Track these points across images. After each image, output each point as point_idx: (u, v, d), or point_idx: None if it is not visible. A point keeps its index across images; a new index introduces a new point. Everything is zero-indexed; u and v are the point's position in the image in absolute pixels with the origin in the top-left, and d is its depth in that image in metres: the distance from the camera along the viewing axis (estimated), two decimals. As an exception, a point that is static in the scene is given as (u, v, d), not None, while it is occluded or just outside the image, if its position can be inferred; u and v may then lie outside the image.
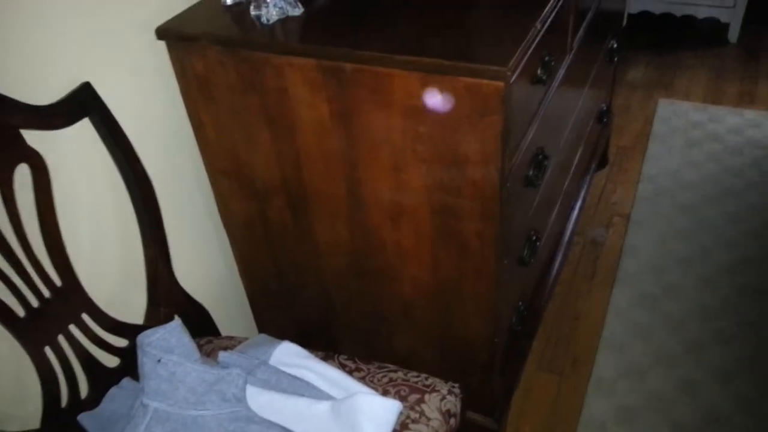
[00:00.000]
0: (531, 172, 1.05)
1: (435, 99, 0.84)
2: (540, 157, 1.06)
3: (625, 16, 2.88)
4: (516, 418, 1.44)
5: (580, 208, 1.73)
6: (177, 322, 0.99)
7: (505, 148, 0.86)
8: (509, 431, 1.41)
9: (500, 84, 0.80)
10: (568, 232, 1.62)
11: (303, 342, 1.01)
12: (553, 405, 1.47)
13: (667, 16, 2.79)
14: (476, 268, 1.01)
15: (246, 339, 1.07)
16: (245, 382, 0.91)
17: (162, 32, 0.98)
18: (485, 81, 0.80)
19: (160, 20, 0.99)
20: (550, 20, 0.93)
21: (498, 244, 0.97)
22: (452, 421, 0.92)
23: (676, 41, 2.84)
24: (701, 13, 2.71)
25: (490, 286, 1.02)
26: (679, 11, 2.74)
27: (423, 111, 0.86)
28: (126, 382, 0.99)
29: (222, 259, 1.31)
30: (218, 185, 1.16)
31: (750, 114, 2.32)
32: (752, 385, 1.44)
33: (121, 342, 1.00)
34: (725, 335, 1.55)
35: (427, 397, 0.92)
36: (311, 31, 0.93)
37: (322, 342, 1.34)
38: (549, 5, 0.91)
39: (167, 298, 1.04)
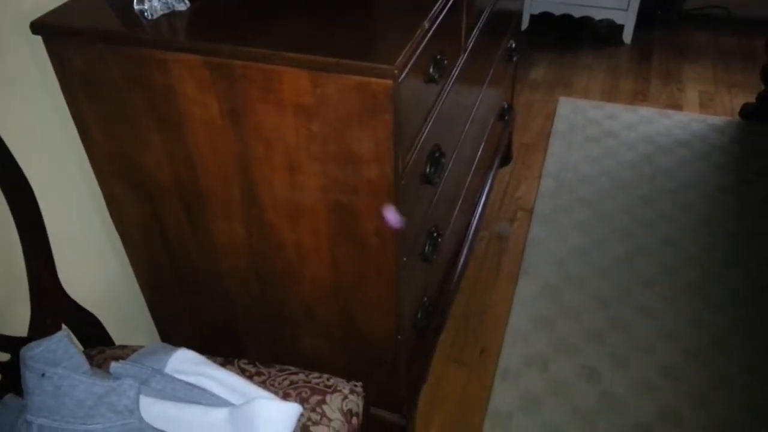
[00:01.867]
0: (428, 170, 1.06)
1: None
2: (437, 154, 1.07)
3: (527, 17, 2.98)
4: (426, 411, 1.46)
5: (485, 204, 1.77)
6: (63, 332, 0.93)
7: (398, 146, 0.87)
8: (419, 424, 1.43)
9: (389, 82, 0.80)
10: (473, 228, 1.66)
11: (207, 349, 0.98)
12: (461, 396, 1.50)
13: (567, 18, 2.90)
14: (376, 266, 1.01)
15: (141, 347, 1.02)
16: (138, 393, 0.87)
17: (38, 27, 0.92)
18: (374, 79, 0.80)
19: (37, 13, 0.93)
20: (439, 20, 0.94)
21: (397, 242, 0.97)
22: (354, 420, 0.92)
23: (575, 42, 2.97)
24: (598, 14, 2.85)
25: (390, 284, 1.02)
26: (577, 12, 2.86)
27: (314, 109, 0.85)
28: (9, 399, 0.92)
29: (117, 265, 1.25)
30: (108, 188, 1.11)
31: (643, 111, 2.45)
32: (648, 370, 1.52)
33: (2, 356, 0.94)
34: (622, 322, 1.63)
35: (328, 397, 0.91)
36: (198, 27, 0.91)
37: (228, 348, 1.31)
38: (437, 5, 0.93)
39: (53, 307, 0.99)
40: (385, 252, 0.98)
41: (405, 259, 1.02)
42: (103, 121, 1.00)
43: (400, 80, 0.80)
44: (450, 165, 1.24)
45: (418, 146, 0.98)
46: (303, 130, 0.89)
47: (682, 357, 1.54)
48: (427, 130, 1.01)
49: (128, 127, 0.99)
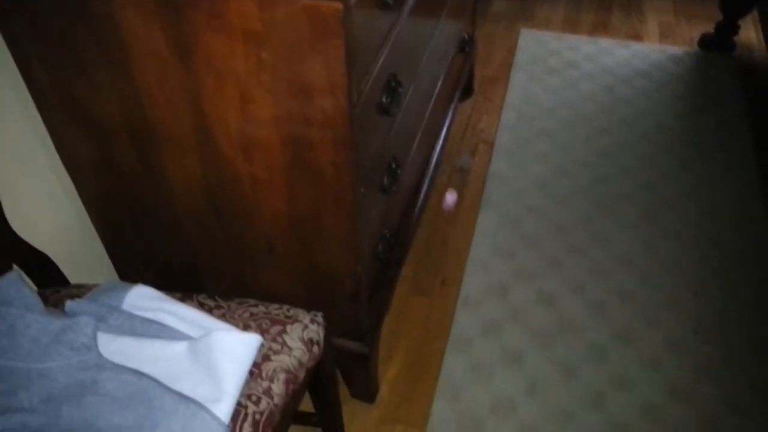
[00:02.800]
0: (384, 100, 1.04)
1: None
2: (393, 84, 1.06)
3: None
4: (389, 339, 1.50)
5: (446, 137, 1.76)
6: (14, 273, 0.92)
7: (351, 74, 0.85)
8: (383, 352, 1.46)
9: (338, 5, 0.77)
10: (434, 160, 1.66)
11: (168, 287, 0.98)
12: (424, 325, 1.53)
13: (528, -54, 2.84)
14: (333, 198, 1.00)
15: (97, 286, 1.01)
16: (95, 330, 0.87)
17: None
18: (323, 2, 0.78)
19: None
20: (391, -60, 0.91)
21: (353, 172, 0.96)
22: (315, 348, 0.94)
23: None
24: (559, -58, 2.78)
25: (348, 215, 1.02)
26: (538, -60, 2.79)
27: (263, 36, 0.83)
28: (-37, 342, 0.91)
29: (70, 207, 1.22)
30: (54, 127, 1.08)
31: (604, 42, 2.44)
32: (604, 293, 1.57)
33: (-47, 300, 0.92)
34: (579, 248, 1.67)
35: (288, 327, 0.93)
36: (137, -49, 0.86)
37: (189, 286, 1.30)
38: (389, -76, 0.89)
39: (1, 248, 0.96)
40: (342, 183, 0.98)
41: (362, 190, 1.01)
42: (44, 58, 0.96)
43: (351, 3, 0.78)
44: (408, 96, 1.23)
45: (374, 75, 0.97)
46: (253, 59, 0.86)
47: (636, 281, 1.59)
48: (382, 59, 0.99)
49: (71, 63, 0.95)
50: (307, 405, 1.21)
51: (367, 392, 1.39)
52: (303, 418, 1.21)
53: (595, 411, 1.35)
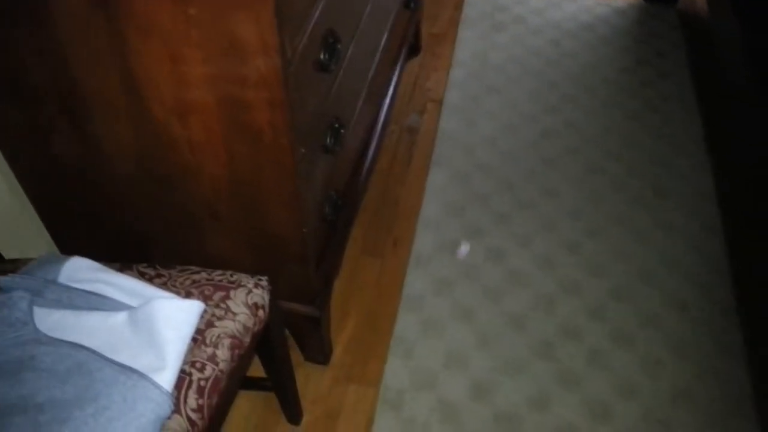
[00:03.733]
0: (323, 57, 1.02)
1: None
2: (331, 40, 1.03)
3: None
4: (342, 302, 1.50)
5: (393, 96, 1.74)
6: (-61, 250, 0.88)
7: (283, 29, 0.82)
8: (336, 315, 1.46)
9: (265, -43, 0.74)
10: (381, 120, 1.64)
11: (114, 260, 0.95)
12: (376, 285, 1.54)
13: None
14: (273, 159, 0.98)
15: (32, 260, 0.98)
16: (30, 304, 0.84)
17: None
18: (249, -46, 0.74)
19: None
20: None
21: (292, 133, 0.94)
22: (261, 313, 0.93)
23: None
24: None
25: (290, 176, 1.00)
26: None
27: (188, -9, 0.79)
28: None
29: (2, 179, 1.17)
30: (-25, 93, 1.02)
31: (550, -4, 2.43)
32: (551, 246, 1.59)
33: None
34: (528, 204, 1.69)
35: (232, 293, 0.91)
36: None
37: (134, 257, 1.27)
38: None
39: (-74, 225, 0.92)
40: (281, 144, 0.95)
41: (303, 150, 0.99)
42: (-46, 16, 0.90)
43: (277, -45, 0.75)
44: (348, 53, 1.20)
45: (309, 31, 0.94)
46: (180, 15, 0.82)
47: (583, 233, 1.62)
48: (317, 14, 0.96)
49: (-15, 21, 0.89)
50: (259, 370, 1.21)
51: (320, 355, 1.39)
52: (255, 384, 1.21)
53: (544, 360, 1.38)
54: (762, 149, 1.54)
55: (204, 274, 0.93)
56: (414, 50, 2.13)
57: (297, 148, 0.97)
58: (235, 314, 0.89)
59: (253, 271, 1.00)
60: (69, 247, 1.30)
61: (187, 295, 0.90)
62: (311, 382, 1.38)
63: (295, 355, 1.40)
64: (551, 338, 1.42)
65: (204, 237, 1.17)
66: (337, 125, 1.18)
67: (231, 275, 0.94)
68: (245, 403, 1.34)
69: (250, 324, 0.90)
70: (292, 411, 1.27)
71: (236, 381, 0.91)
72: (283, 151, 0.96)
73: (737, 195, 1.68)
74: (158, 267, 0.95)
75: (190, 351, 0.83)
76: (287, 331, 1.35)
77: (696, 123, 1.91)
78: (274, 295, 0.99)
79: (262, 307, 0.93)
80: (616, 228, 1.63)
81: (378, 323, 1.47)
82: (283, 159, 0.97)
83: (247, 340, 0.90)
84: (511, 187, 1.73)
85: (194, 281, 0.92)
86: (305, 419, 1.32)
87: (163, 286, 0.91)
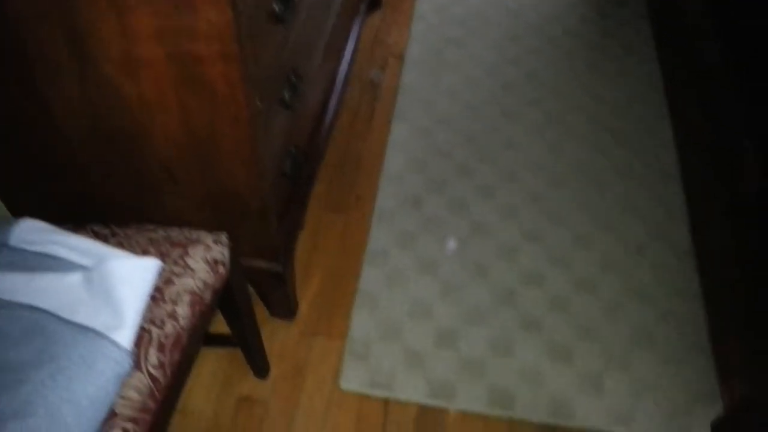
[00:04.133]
0: (277, 7, 0.99)
1: None
2: (284, -10, 1.01)
3: None
4: (306, 258, 1.50)
5: (354, 51, 1.72)
6: None
7: (232, -23, 0.80)
8: (301, 271, 1.47)
9: None
10: (341, 75, 1.62)
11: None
12: (340, 241, 1.54)
13: None
14: (228, 114, 0.96)
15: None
16: (-19, 268, 0.83)
17: None
18: None
19: None
20: None
21: (246, 87, 0.92)
22: (221, 269, 0.93)
23: None
24: None
25: (246, 131, 0.99)
26: None
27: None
28: None
29: (-55, 141, 1.13)
30: None
31: (510, -55, 2.40)
32: (514, 197, 1.61)
33: None
34: (490, 156, 1.70)
35: (190, 250, 0.91)
36: None
37: (92, 221, 1.25)
38: None
39: None
40: (235, 98, 0.93)
41: (259, 104, 0.98)
42: None
43: None
44: (305, 4, 1.17)
45: (258, -20, 0.91)
46: (121, -36, 0.79)
47: (544, 183, 1.64)
48: (266, -38, 0.94)
49: None
50: (224, 326, 1.21)
51: (285, 310, 1.40)
52: (220, 340, 1.21)
53: (507, 307, 1.41)
54: (719, 96, 1.57)
55: (161, 232, 0.92)
56: (374, 4, 2.10)
57: (252, 102, 0.95)
58: (194, 271, 0.88)
59: (214, 230, 0.99)
60: (21, 211, 1.27)
61: (144, 253, 0.89)
62: (277, 337, 1.39)
63: (261, 312, 1.40)
64: (514, 286, 1.45)
65: (162, 197, 1.15)
66: (294, 79, 1.16)
67: (189, 232, 0.93)
68: (212, 360, 1.35)
69: (210, 280, 0.90)
70: (259, 366, 1.28)
71: (198, 337, 0.91)
72: (238, 106, 0.95)
73: (695, 142, 1.71)
74: (113, 227, 0.94)
75: (150, 309, 0.83)
76: (252, 288, 1.36)
77: (655, 72, 1.93)
78: (236, 251, 0.98)
79: (222, 263, 0.92)
80: (578, 177, 1.66)
81: (342, 278, 1.48)
82: (238, 114, 0.96)
83: (208, 296, 0.89)
84: (473, 139, 1.73)
85: (151, 239, 0.91)
86: (272, 373, 1.34)
87: (119, 245, 0.90)
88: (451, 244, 1.38)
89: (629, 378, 1.32)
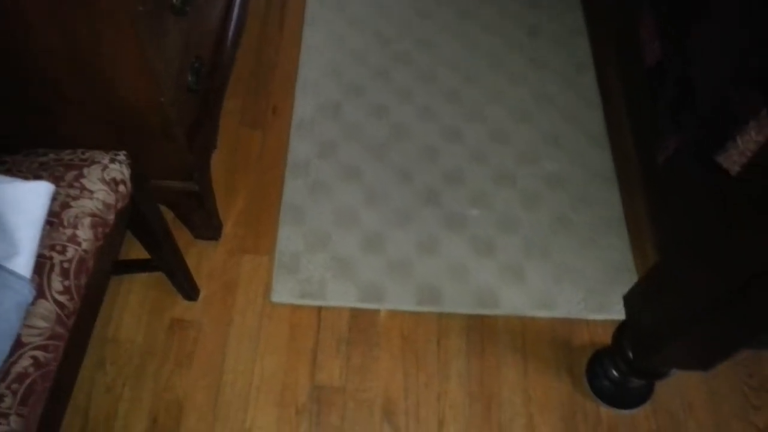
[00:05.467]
0: None
1: None
2: None
3: None
4: (228, 176, 1.46)
5: (255, -48, 1.62)
6: None
7: None
8: (223, 190, 1.43)
9: None
10: (243, -20, 1.52)
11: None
12: (260, 156, 1.50)
13: None
14: (112, 22, 0.89)
15: None
16: None
17: None
18: None
19: None
20: None
21: (125, -10, 0.85)
22: (122, 188, 0.88)
23: None
24: None
25: (132, 39, 0.91)
26: None
27: None
28: None
29: None
30: None
31: None
32: (430, 96, 1.59)
33: None
34: (405, 57, 1.66)
35: (86, 171, 0.86)
36: None
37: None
38: None
39: None
40: (116, 2, 0.86)
41: (141, 8, 0.91)
42: None
43: None
44: None
45: None
46: None
47: (460, 80, 1.62)
48: None
49: None
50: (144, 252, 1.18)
51: (209, 231, 1.37)
52: (142, 266, 1.18)
53: (431, 207, 1.42)
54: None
55: (52, 155, 0.87)
56: None
57: (132, 5, 0.88)
58: (92, 192, 0.84)
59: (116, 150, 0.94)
60: None
61: (36, 178, 0.84)
62: (204, 258, 1.37)
63: (185, 235, 1.37)
64: (437, 186, 1.45)
65: (56, 119, 1.08)
66: (182, -18, 1.08)
67: (82, 153, 0.88)
68: (139, 287, 1.32)
69: (110, 200, 0.86)
70: (187, 289, 1.27)
71: (107, 260, 0.88)
72: (118, 10, 0.88)
73: (607, 30, 1.71)
74: (0, 155, 0.87)
75: (48, 235, 0.79)
76: (171, 211, 1.32)
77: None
78: (140, 170, 0.94)
79: (123, 182, 0.88)
80: (492, 71, 1.65)
81: (266, 193, 1.45)
82: (120, 19, 0.89)
83: (111, 217, 0.86)
84: (387, 41, 1.69)
85: (41, 164, 0.86)
86: (203, 294, 1.32)
87: (7, 172, 0.84)
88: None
89: (550, 264, 1.37)
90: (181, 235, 1.36)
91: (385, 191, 1.44)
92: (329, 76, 1.62)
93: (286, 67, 1.64)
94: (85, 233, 0.81)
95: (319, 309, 1.32)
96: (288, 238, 1.38)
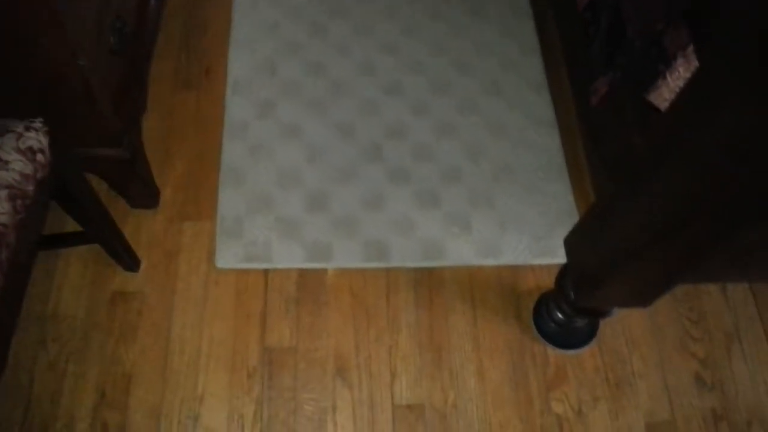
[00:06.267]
0: None
1: None
2: None
3: None
4: (163, 141, 1.42)
5: None
6: None
7: None
8: (160, 155, 1.39)
9: None
10: (165, -65, 1.45)
11: None
12: (196, 119, 1.46)
13: None
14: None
15: None
16: None
17: None
18: None
19: None
20: None
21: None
22: (40, 157, 0.84)
23: None
24: None
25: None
26: None
27: None
28: None
29: None
30: None
31: None
32: (368, 50, 1.56)
33: None
34: (341, 10, 1.62)
35: (-1, 141, 0.81)
36: None
37: None
38: None
39: None
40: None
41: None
42: None
43: None
44: None
45: None
46: None
47: (399, 32, 1.59)
48: None
49: None
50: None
51: (146, 199, 1.33)
52: (74, 239, 1.14)
53: (374, 162, 1.41)
54: None
55: (-40, 126, 0.82)
56: None
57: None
58: (6, 162, 0.80)
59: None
60: None
61: (-56, 151, 0.79)
62: (143, 227, 1.33)
63: (122, 205, 1.33)
64: (379, 140, 1.44)
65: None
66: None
67: (-7, 122, 0.83)
68: (76, 261, 1.28)
69: (28, 170, 0.81)
70: (126, 259, 1.23)
71: (31, 234, 0.84)
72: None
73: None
74: None
75: (-39, 209, 0.75)
76: (104, 181, 1.27)
77: None
78: (61, 138, 0.89)
79: (41, 150, 0.84)
80: (431, 23, 1.62)
81: (204, 157, 1.41)
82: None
83: (30, 188, 0.82)
84: (323, -6, 1.64)
85: (-51, 135, 0.80)
86: (144, 264, 1.29)
87: None
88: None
89: (494, 213, 1.37)
90: (118, 205, 1.32)
91: (327, 149, 1.42)
92: (264, 33, 1.57)
93: (219, 26, 1.59)
94: (2, 206, 0.77)
95: (266, 272, 1.30)
96: (229, 201, 1.35)
